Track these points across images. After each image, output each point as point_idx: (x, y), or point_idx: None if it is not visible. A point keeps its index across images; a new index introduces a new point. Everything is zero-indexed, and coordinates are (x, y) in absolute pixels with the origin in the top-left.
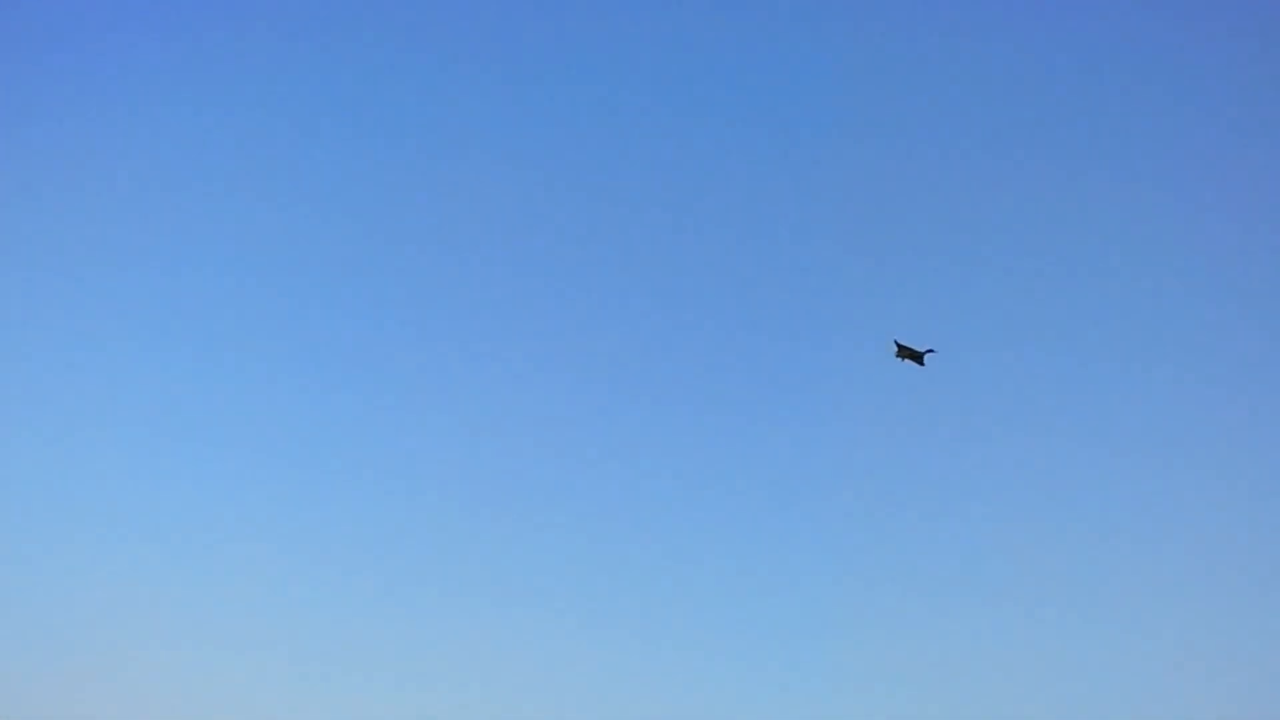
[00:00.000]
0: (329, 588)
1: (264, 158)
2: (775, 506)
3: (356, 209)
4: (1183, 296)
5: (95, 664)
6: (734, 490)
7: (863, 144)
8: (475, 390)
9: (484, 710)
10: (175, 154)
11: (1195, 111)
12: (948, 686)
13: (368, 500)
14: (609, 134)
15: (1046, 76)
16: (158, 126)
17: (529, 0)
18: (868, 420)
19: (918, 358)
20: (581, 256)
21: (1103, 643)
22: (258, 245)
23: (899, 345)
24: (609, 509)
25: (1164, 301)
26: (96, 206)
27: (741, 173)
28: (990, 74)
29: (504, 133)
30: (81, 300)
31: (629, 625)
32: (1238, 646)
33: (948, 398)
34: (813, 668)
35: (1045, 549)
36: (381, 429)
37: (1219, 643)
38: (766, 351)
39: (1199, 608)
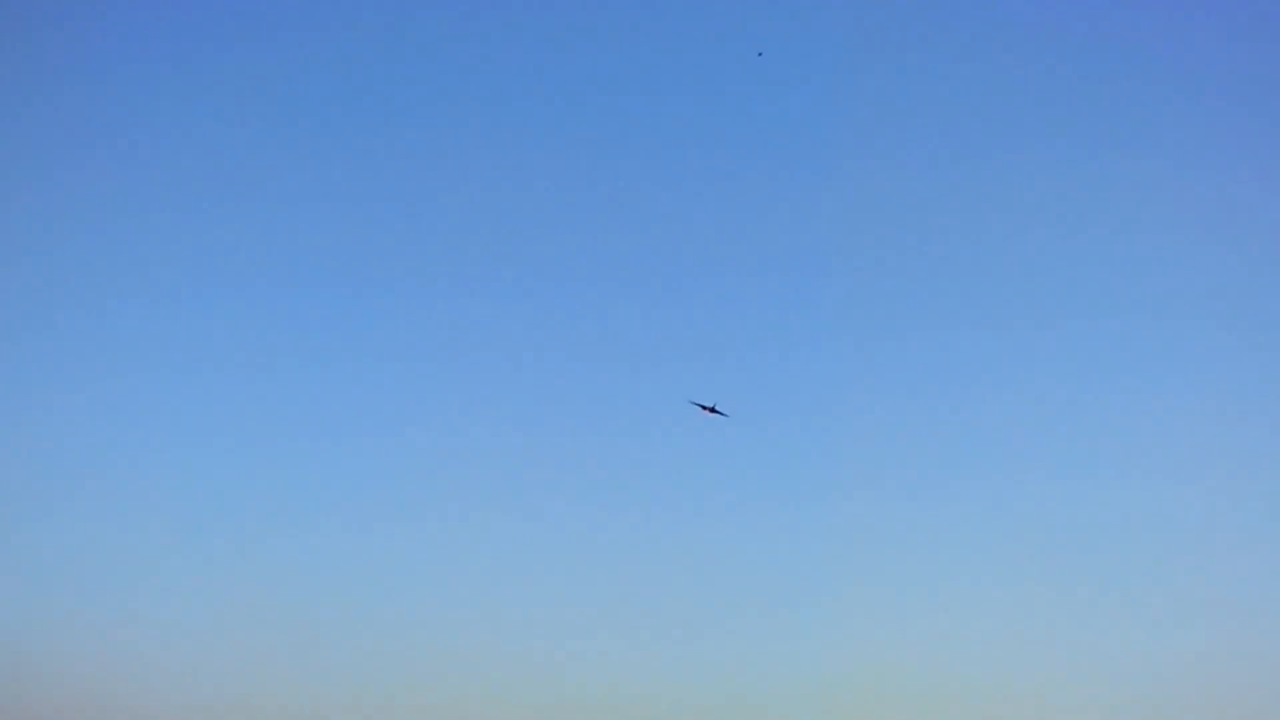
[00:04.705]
0: (330, 584)
1: (265, 159)
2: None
3: (354, 209)
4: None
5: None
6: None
7: (856, 145)
8: (475, 391)
9: (483, 707)
10: (179, 154)
11: (1189, 107)
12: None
13: (365, 498)
14: (604, 133)
15: (1037, 74)
16: (162, 125)
17: (527, 3)
18: (864, 420)
19: (712, 411)
20: (573, 248)
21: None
22: (259, 245)
23: (701, 406)
24: (609, 495)
25: (1162, 303)
26: (97, 206)
27: (735, 171)
28: (982, 73)
29: (502, 132)
30: (82, 300)
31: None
32: (1239, 652)
33: (948, 404)
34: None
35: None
36: (380, 429)
37: (1216, 637)
38: (756, 349)
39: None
